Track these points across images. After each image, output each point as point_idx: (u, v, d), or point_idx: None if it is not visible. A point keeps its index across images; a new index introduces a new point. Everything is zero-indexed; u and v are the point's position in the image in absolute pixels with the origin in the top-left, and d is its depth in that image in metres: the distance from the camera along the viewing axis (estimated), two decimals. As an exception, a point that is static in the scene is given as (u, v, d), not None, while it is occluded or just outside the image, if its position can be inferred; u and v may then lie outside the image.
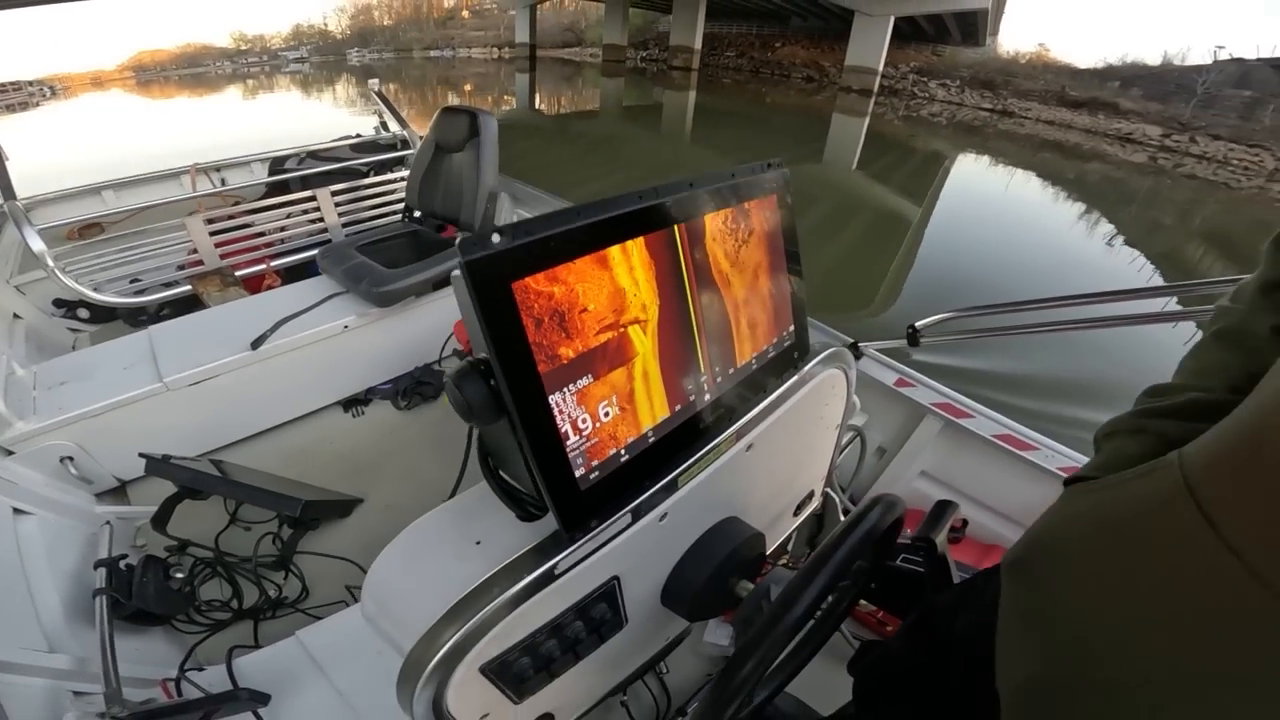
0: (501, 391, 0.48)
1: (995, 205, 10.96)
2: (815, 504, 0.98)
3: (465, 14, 51.47)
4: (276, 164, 3.16)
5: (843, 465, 1.60)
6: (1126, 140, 22.57)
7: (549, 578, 0.54)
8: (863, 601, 0.70)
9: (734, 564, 0.68)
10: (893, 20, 24.08)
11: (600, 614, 0.60)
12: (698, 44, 29.33)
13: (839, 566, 0.53)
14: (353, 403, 2.19)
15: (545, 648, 0.56)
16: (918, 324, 1.39)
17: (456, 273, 0.46)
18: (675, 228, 0.59)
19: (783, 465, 0.83)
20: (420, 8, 50.96)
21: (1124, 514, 0.46)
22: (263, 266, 2.51)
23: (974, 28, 28.37)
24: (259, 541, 1.60)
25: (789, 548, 1.24)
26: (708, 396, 0.65)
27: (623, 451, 0.57)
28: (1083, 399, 3.66)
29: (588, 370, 0.52)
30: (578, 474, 0.53)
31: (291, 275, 2.53)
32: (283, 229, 2.62)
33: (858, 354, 1.62)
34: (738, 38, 36.60)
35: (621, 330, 0.54)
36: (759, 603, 0.64)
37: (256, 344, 1.88)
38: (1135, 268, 8.16)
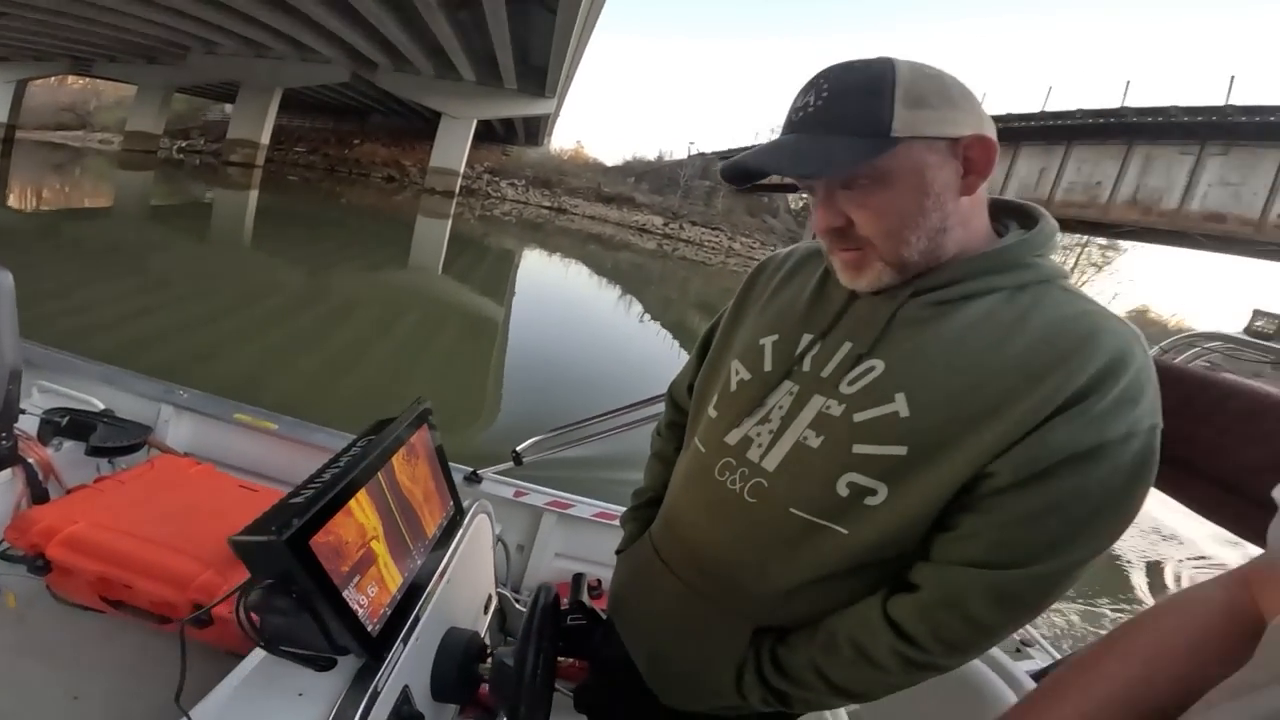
0: (316, 600, 0.73)
1: (560, 298, 12.79)
2: (494, 603, 1.36)
3: None
4: None
5: (498, 568, 1.90)
6: (643, 230, 29.40)
7: (375, 696, 0.77)
8: (569, 659, 1.00)
9: (468, 655, 0.97)
10: (475, 123, 26.28)
11: (410, 713, 0.84)
12: (265, 138, 26.91)
13: (539, 628, 0.84)
14: None
15: None
16: (519, 447, 1.73)
17: (241, 538, 0.70)
18: (379, 475, 0.91)
19: (469, 584, 1.16)
20: None
21: (636, 566, 0.83)
22: None
23: (538, 129, 33.07)
24: None
25: (489, 638, 1.61)
26: (419, 562, 0.99)
27: (387, 609, 0.87)
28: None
29: (357, 573, 0.82)
30: (368, 628, 0.81)
31: None
32: None
33: (478, 479, 1.86)
34: (311, 132, 34.96)
35: (368, 546, 0.86)
36: (501, 669, 0.91)
37: None
38: (660, 338, 10.63)
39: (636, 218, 30.67)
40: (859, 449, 0.60)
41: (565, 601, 0.97)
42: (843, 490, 0.61)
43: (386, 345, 7.06)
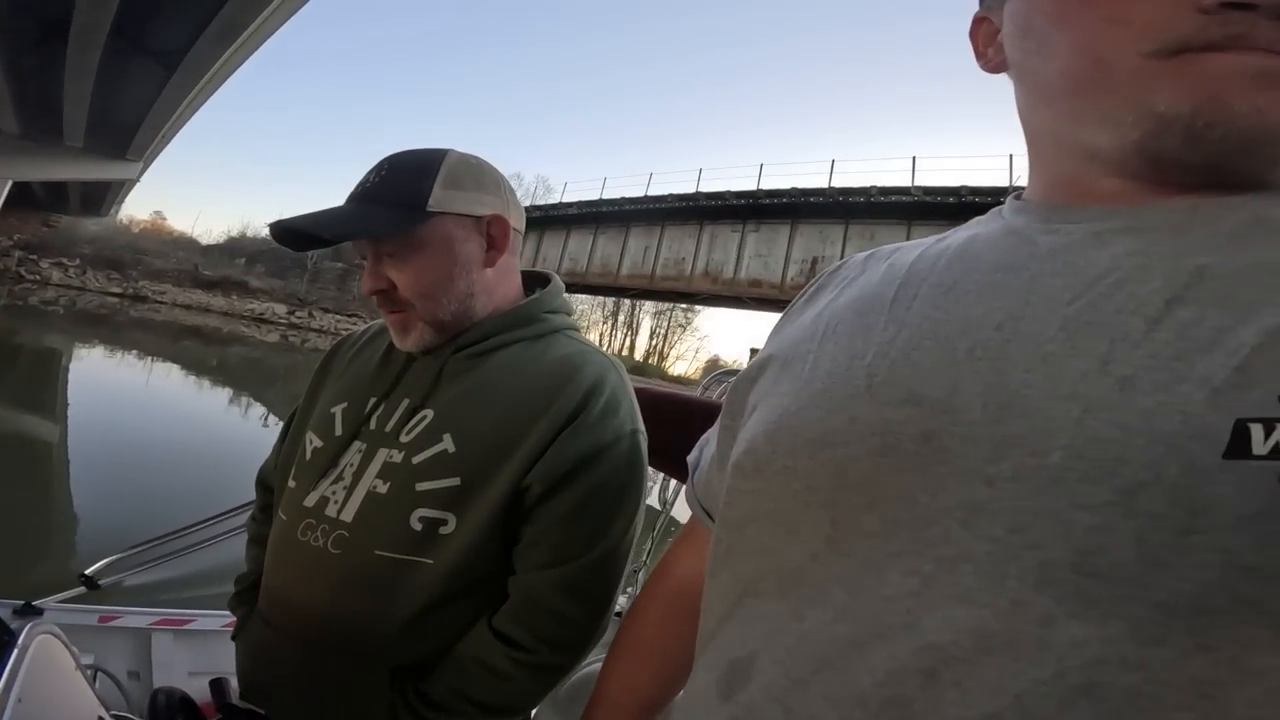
0: None
1: (148, 406, 10.63)
2: None
3: None
4: None
5: (110, 696, 1.60)
6: (261, 320, 26.01)
7: None
8: None
9: None
10: (9, 185, 19.62)
11: None
12: None
13: None
14: None
15: None
16: (88, 571, 1.52)
17: None
18: None
19: (55, 706, 0.96)
20: None
21: (256, 645, 0.83)
22: None
23: (102, 197, 26.30)
24: None
25: None
26: None
27: None
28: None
29: None
30: None
31: None
32: None
33: (36, 610, 1.60)
34: None
35: None
36: None
37: None
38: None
39: (251, 305, 26.95)
40: (421, 486, 0.71)
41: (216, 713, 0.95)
42: (416, 525, 0.70)
43: None
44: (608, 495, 0.73)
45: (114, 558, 1.65)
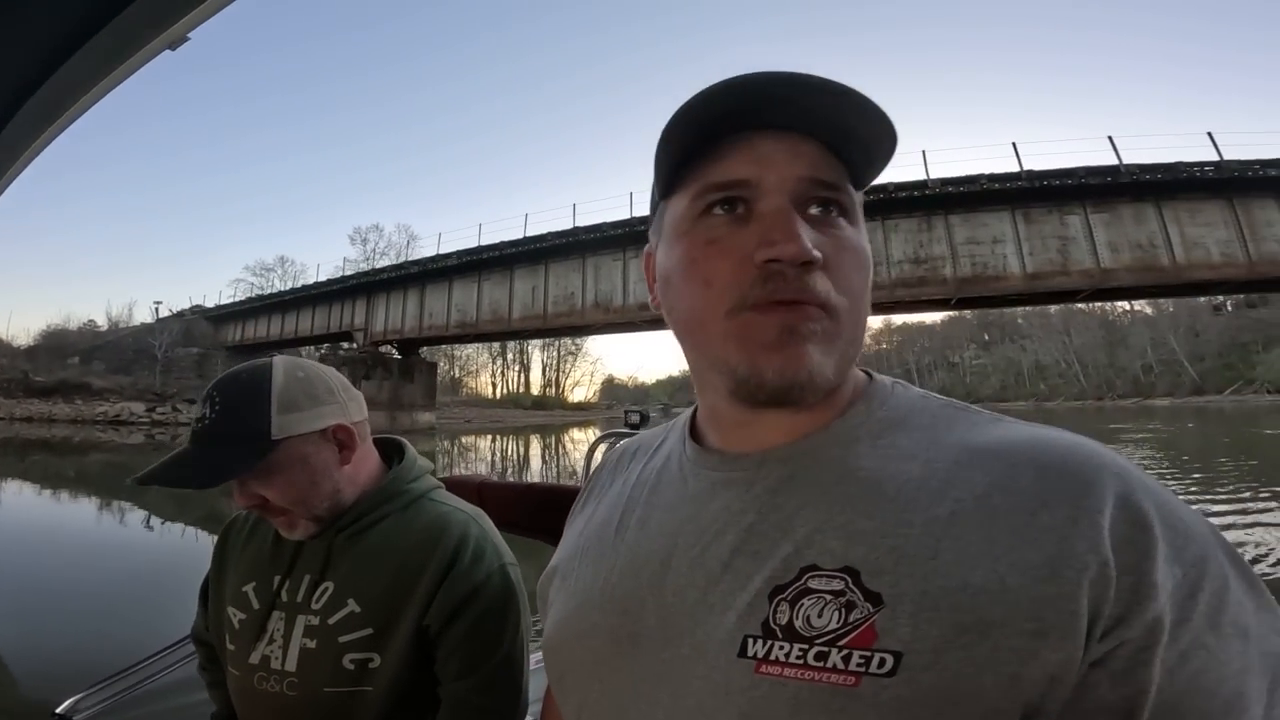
0: None
1: (13, 532, 9.81)
2: None
3: None
4: None
5: None
6: (118, 423, 23.27)
7: None
8: None
9: None
10: None
11: None
12: None
13: None
14: None
15: None
16: (59, 710, 1.58)
17: None
18: None
19: None
20: None
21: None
22: None
23: None
24: None
25: None
26: None
27: None
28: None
29: None
30: None
31: None
32: None
33: None
34: None
35: None
36: None
37: None
38: (189, 536, 8.72)
39: (103, 408, 23.94)
40: (343, 639, 0.87)
41: None
42: (349, 665, 0.86)
43: None
44: (493, 618, 0.90)
45: (82, 694, 1.70)
